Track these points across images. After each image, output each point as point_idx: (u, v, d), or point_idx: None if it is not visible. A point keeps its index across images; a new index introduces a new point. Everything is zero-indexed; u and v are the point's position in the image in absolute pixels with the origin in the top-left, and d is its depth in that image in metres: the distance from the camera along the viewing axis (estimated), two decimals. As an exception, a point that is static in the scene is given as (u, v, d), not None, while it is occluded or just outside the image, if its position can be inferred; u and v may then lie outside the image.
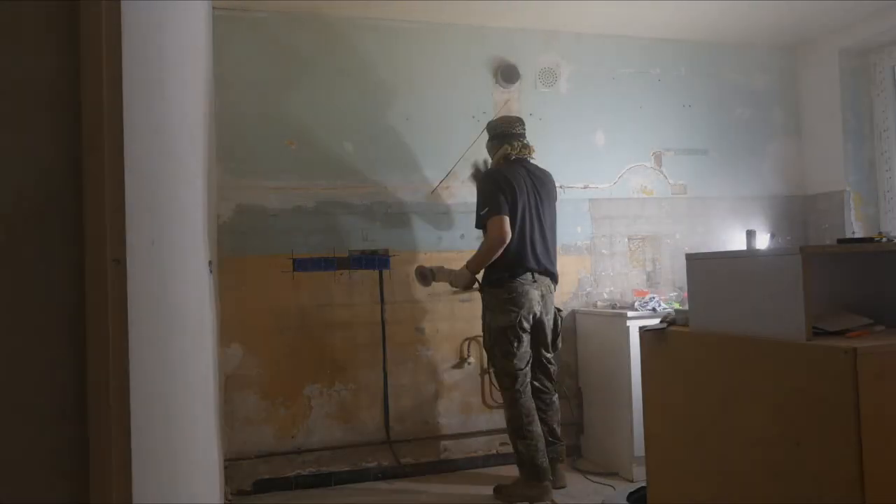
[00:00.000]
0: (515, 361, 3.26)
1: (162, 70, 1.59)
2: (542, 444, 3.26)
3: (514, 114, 3.97)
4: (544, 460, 3.24)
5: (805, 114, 4.66)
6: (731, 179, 4.50)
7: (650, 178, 4.35)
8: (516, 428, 3.27)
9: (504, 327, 3.25)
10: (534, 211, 3.34)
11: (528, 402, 3.29)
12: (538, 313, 3.32)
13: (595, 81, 4.26)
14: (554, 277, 3.44)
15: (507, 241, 3.23)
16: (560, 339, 3.52)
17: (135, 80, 1.20)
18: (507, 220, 3.23)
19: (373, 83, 3.86)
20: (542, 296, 3.35)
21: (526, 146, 3.45)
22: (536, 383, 3.43)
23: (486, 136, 3.58)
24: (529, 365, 3.33)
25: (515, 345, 3.26)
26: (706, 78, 4.49)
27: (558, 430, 3.48)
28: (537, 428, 3.27)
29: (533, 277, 3.30)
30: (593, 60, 4.26)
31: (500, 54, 4.08)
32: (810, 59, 4.60)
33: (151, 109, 1.42)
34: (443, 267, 3.56)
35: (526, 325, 3.28)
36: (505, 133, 3.44)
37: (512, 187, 3.28)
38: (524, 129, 3.49)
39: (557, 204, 3.58)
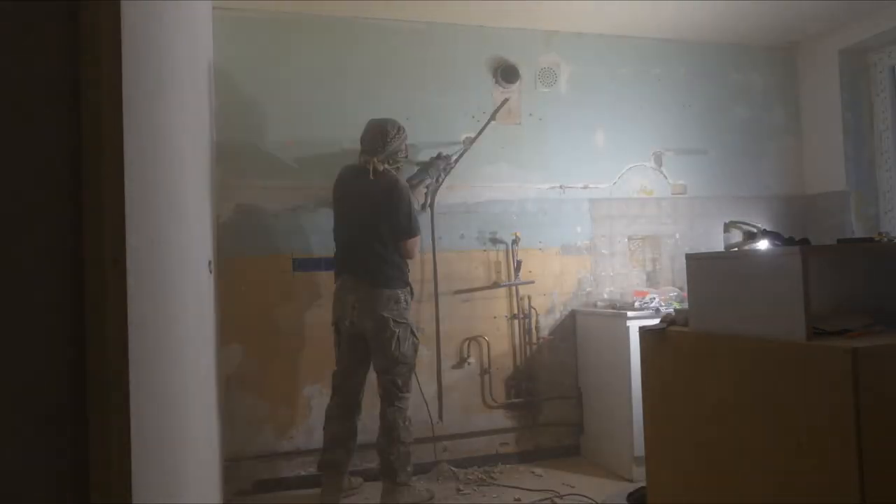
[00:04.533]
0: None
1: (162, 70, 1.59)
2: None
3: (513, 114, 4.01)
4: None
5: (805, 114, 4.66)
6: (730, 179, 4.50)
7: (650, 178, 4.34)
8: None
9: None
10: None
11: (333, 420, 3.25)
12: (352, 320, 3.18)
13: (595, 81, 4.26)
14: (375, 283, 3.16)
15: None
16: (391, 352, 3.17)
17: (135, 81, 1.20)
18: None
19: (373, 83, 3.85)
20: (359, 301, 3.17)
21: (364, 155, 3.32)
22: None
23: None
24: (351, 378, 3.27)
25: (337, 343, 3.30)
26: (706, 78, 4.49)
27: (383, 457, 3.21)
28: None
29: (349, 283, 3.22)
30: (593, 60, 4.26)
31: (500, 54, 4.07)
32: (810, 59, 4.60)
33: (151, 109, 1.42)
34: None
35: (340, 328, 3.24)
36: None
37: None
38: (368, 138, 3.35)
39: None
